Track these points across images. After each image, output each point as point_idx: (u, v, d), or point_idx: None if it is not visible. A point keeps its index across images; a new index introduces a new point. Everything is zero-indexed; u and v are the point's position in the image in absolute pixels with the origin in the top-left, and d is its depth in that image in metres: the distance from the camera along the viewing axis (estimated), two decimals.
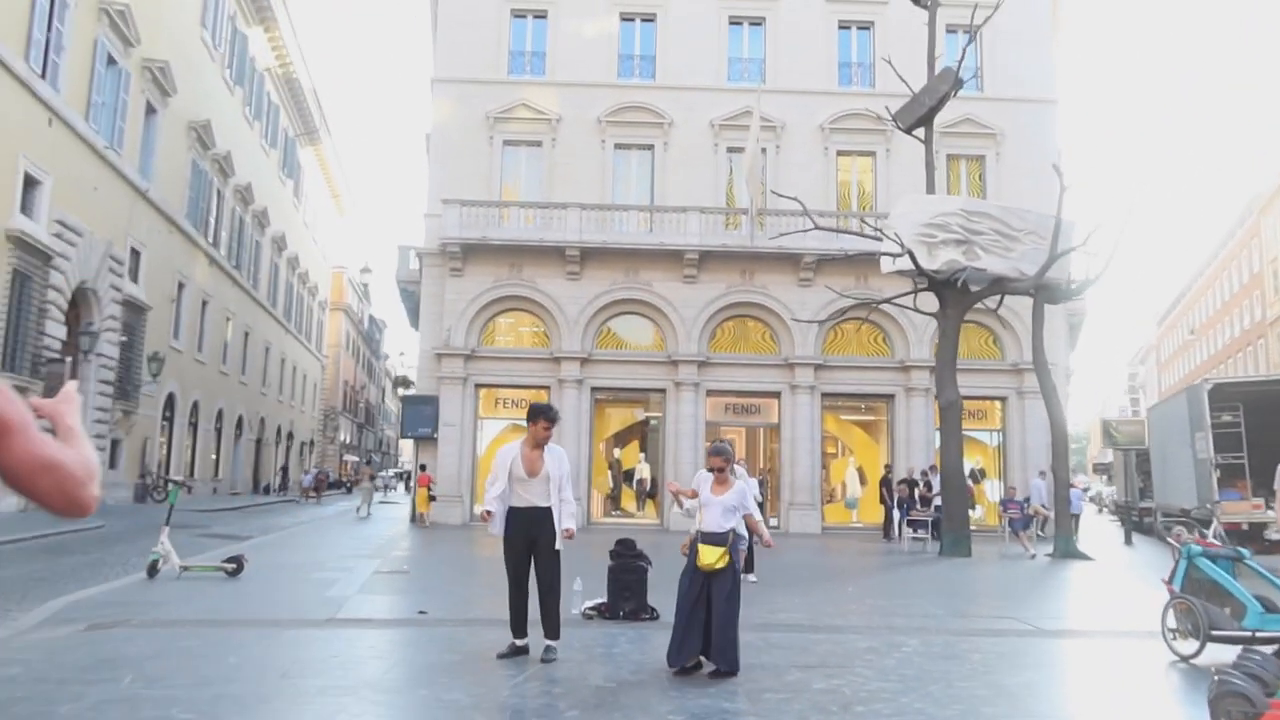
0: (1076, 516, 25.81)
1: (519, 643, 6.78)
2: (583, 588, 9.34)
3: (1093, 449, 75.12)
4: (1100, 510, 44.63)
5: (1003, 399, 25.68)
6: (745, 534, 7.16)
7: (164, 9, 27.97)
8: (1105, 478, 50.12)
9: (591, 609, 9.04)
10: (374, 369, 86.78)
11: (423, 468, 24.48)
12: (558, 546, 6.68)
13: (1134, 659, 7.62)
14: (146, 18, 25.99)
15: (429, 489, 23.68)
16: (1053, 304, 19.57)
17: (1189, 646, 7.26)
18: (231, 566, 11.28)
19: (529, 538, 6.66)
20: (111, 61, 24.50)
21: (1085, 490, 45.04)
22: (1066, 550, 17.51)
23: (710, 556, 6.43)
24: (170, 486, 11.96)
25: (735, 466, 7.73)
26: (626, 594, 8.94)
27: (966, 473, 24.34)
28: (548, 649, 6.71)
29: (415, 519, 23.89)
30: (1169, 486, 22.08)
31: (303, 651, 7.00)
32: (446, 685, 6.09)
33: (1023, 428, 25.06)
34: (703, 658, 6.45)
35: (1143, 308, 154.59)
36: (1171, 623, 7.53)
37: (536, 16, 26.76)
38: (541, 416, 6.80)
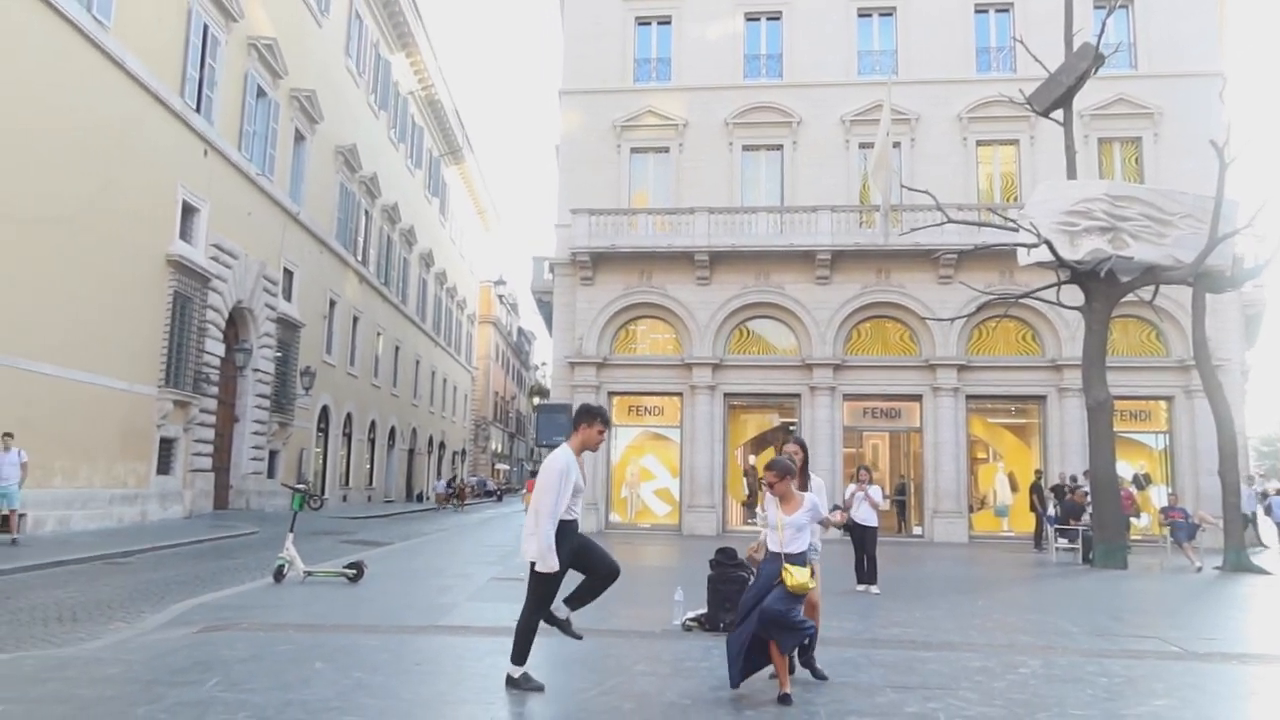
0: None
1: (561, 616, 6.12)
2: (684, 598, 9.08)
3: None
4: None
5: (1168, 398, 23.80)
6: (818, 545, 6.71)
7: (309, 41, 29.50)
8: None
9: (692, 620, 8.76)
10: (523, 379, 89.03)
11: (533, 474, 24.92)
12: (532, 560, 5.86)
13: None
14: (293, 50, 27.47)
15: None
16: (1215, 293, 17.90)
17: None
18: (352, 572, 11.58)
19: (570, 547, 5.94)
20: (261, 93, 25.99)
21: None
22: (1238, 563, 15.94)
23: (802, 576, 5.89)
24: (294, 493, 12.34)
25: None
26: (727, 605, 8.59)
27: (1130, 478, 22.74)
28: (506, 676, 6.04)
29: None
30: None
31: (389, 658, 7.00)
32: (516, 698, 5.94)
33: (1192, 429, 23.12)
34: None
35: None
36: None
37: (661, 23, 26.76)
38: (600, 419, 6.10)
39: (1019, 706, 5.81)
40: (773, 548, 6.11)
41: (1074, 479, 20.54)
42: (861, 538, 12.35)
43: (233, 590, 10.96)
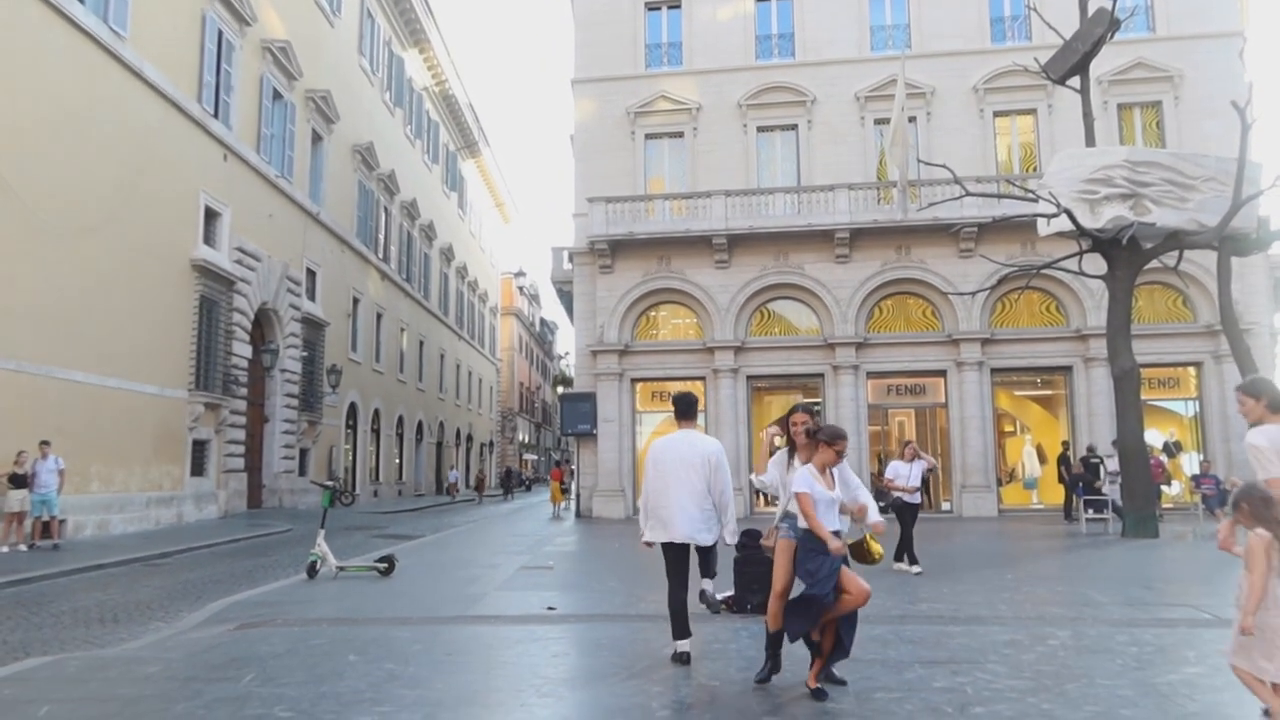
0: None
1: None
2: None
3: None
4: None
5: (1197, 364, 23.54)
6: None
7: (323, 41, 29.63)
8: None
9: (720, 602, 8.81)
10: (547, 369, 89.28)
11: (557, 463, 25.25)
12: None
13: None
14: (307, 51, 27.61)
15: (560, 482, 24.55)
16: (1241, 256, 17.62)
17: None
18: (383, 566, 11.73)
19: None
20: (277, 96, 26.15)
21: None
22: None
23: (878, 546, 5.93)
24: (324, 490, 12.48)
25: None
26: (754, 586, 8.62)
27: (1160, 446, 22.54)
28: None
29: (555, 512, 25.24)
30: None
31: (421, 649, 7.10)
32: (549, 686, 6.01)
33: (1222, 395, 22.85)
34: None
35: None
36: None
37: (671, 7, 26.68)
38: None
39: (1047, 678, 5.82)
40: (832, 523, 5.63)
41: (1091, 448, 20.43)
42: (903, 514, 12.22)
43: (267, 587, 11.14)
